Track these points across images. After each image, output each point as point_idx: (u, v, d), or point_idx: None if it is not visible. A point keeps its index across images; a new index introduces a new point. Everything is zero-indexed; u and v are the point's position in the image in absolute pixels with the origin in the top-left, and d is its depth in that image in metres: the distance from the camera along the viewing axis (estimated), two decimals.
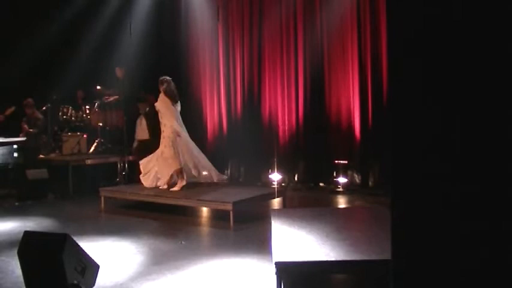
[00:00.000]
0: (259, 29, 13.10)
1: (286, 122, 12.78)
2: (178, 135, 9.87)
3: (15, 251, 5.20)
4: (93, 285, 5.28)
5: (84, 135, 13.26)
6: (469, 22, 2.44)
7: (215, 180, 10.38)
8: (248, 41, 13.31)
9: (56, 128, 13.40)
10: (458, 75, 2.47)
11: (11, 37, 12.95)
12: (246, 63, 13.36)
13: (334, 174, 11.79)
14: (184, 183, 9.86)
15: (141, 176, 10.33)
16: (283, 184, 12.05)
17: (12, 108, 12.25)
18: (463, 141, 2.44)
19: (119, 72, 13.00)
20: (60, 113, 13.03)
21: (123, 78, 12.85)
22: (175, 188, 9.76)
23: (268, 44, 13.02)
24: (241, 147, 12.71)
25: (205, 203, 9.34)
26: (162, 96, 9.88)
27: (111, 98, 12.91)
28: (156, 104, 9.99)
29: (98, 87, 13.02)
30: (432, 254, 2.53)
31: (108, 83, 12.98)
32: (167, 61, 13.42)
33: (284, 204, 9.87)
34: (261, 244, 7.02)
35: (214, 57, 13.87)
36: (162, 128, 9.91)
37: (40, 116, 12.44)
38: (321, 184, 12.17)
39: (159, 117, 9.98)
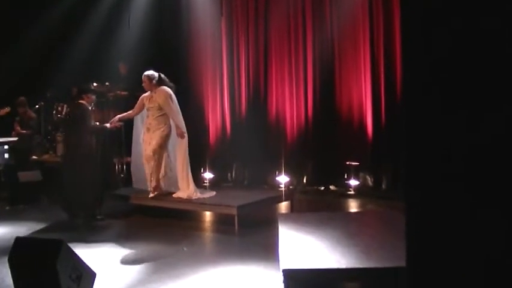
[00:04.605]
0: (265, 23, 13.08)
1: (294, 121, 12.75)
2: (183, 137, 9.71)
3: (6, 259, 5.20)
4: None
5: None
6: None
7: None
8: (253, 35, 13.28)
9: (49, 128, 13.38)
10: (475, 75, 2.46)
11: (2, 32, 12.97)
12: (251, 59, 13.34)
13: (345, 176, 11.76)
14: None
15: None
16: (290, 187, 12.03)
17: (7, 109, 12.25)
18: (483, 141, 2.43)
19: (122, 68, 13.01)
20: (54, 112, 12.99)
21: (127, 75, 12.85)
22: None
23: (275, 39, 13.00)
24: (246, 148, 12.65)
25: (208, 207, 9.34)
26: (164, 91, 9.58)
27: (123, 93, 12.82)
28: (159, 100, 9.65)
29: (95, 83, 13.00)
30: (449, 261, 2.52)
31: (106, 79, 12.95)
32: (167, 57, 13.38)
33: (292, 208, 9.87)
34: (267, 250, 7.01)
35: (217, 53, 13.84)
36: (159, 126, 9.63)
37: (33, 115, 12.42)
38: (331, 187, 12.14)
39: (156, 114, 9.69)
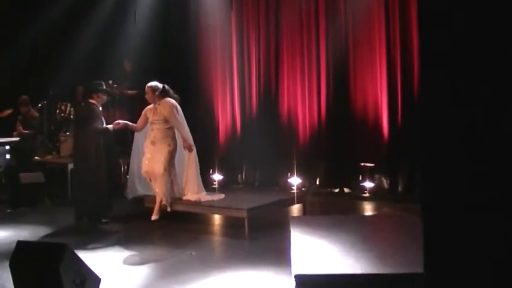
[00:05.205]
0: (277, 17, 13.05)
1: (307, 121, 12.70)
2: (191, 150, 9.65)
3: (7, 263, 5.22)
4: None
5: None
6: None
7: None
8: (264, 31, 13.25)
9: (52, 128, 13.39)
10: (494, 73, 2.45)
11: (4, 28, 13.02)
12: (262, 56, 13.31)
13: (360, 178, 11.74)
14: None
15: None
16: (303, 189, 12.00)
17: (9, 111, 12.31)
18: (501, 140, 2.42)
19: (127, 65, 13.02)
20: (57, 111, 12.99)
21: (131, 73, 12.87)
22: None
23: (287, 35, 12.96)
24: (256, 149, 12.62)
25: (217, 209, 9.34)
26: (169, 102, 9.51)
27: (131, 92, 12.81)
28: (164, 112, 9.48)
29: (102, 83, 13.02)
30: (468, 266, 2.50)
31: (110, 77, 12.95)
32: (174, 54, 13.41)
33: (304, 211, 9.86)
34: (278, 255, 7.00)
35: (227, 49, 13.81)
36: (165, 139, 9.48)
37: (36, 114, 12.45)
38: (345, 189, 12.11)
39: (162, 127, 9.66)
